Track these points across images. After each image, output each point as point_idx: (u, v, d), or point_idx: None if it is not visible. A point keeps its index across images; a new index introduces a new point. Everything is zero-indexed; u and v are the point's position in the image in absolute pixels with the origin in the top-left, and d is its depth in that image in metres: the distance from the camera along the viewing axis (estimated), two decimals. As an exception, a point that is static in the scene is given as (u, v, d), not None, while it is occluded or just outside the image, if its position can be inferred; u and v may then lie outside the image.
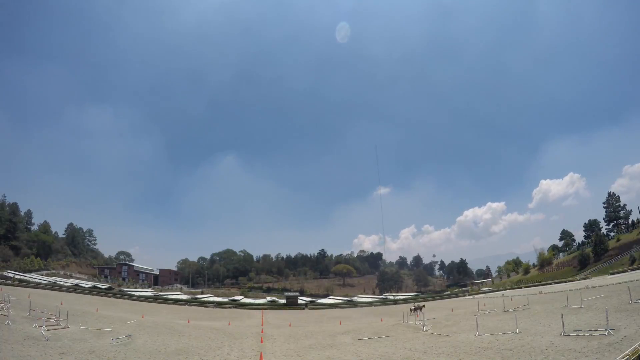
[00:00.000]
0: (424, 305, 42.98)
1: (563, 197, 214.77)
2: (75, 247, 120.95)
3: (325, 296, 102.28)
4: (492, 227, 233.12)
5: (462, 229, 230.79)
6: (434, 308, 51.45)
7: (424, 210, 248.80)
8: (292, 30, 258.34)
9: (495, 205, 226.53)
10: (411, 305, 45.52)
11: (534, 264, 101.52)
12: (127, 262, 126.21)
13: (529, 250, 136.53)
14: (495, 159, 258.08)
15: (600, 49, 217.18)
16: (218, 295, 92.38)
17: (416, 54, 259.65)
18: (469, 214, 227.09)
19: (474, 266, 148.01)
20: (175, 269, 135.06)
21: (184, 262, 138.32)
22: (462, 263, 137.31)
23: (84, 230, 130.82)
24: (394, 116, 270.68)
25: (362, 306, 71.73)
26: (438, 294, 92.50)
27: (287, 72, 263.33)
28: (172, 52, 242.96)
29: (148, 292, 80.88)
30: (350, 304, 75.88)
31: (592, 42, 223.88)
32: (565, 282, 63.87)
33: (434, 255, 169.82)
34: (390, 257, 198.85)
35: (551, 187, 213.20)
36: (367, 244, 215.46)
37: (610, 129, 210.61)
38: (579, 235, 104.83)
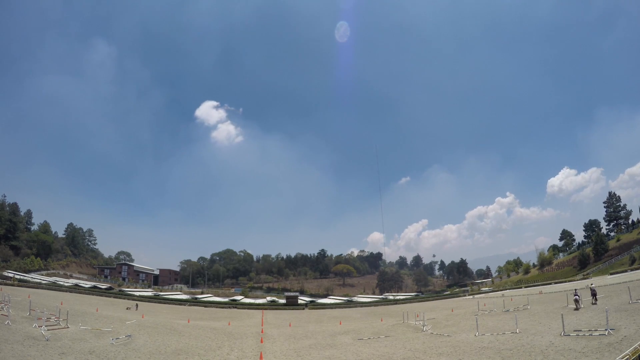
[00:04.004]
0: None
1: (578, 189, 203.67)
2: (75, 247, 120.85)
3: (325, 296, 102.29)
4: (502, 224, 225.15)
5: (471, 225, 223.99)
6: (434, 308, 51.45)
7: (441, 203, 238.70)
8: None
9: (508, 198, 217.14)
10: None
11: (534, 264, 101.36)
12: (127, 262, 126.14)
13: (529, 250, 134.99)
14: (524, 147, 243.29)
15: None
16: (218, 295, 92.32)
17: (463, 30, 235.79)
18: (481, 209, 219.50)
19: (474, 266, 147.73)
20: (175, 269, 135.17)
21: (185, 262, 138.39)
22: (462, 263, 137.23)
23: (84, 230, 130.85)
24: (427, 95, 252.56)
25: (362, 306, 71.70)
26: (438, 294, 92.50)
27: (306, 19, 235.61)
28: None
29: (148, 292, 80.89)
30: (350, 304, 75.82)
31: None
32: (566, 282, 63.89)
33: (434, 255, 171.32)
34: (396, 254, 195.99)
35: (568, 180, 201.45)
36: (379, 240, 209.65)
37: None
38: (579, 235, 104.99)
